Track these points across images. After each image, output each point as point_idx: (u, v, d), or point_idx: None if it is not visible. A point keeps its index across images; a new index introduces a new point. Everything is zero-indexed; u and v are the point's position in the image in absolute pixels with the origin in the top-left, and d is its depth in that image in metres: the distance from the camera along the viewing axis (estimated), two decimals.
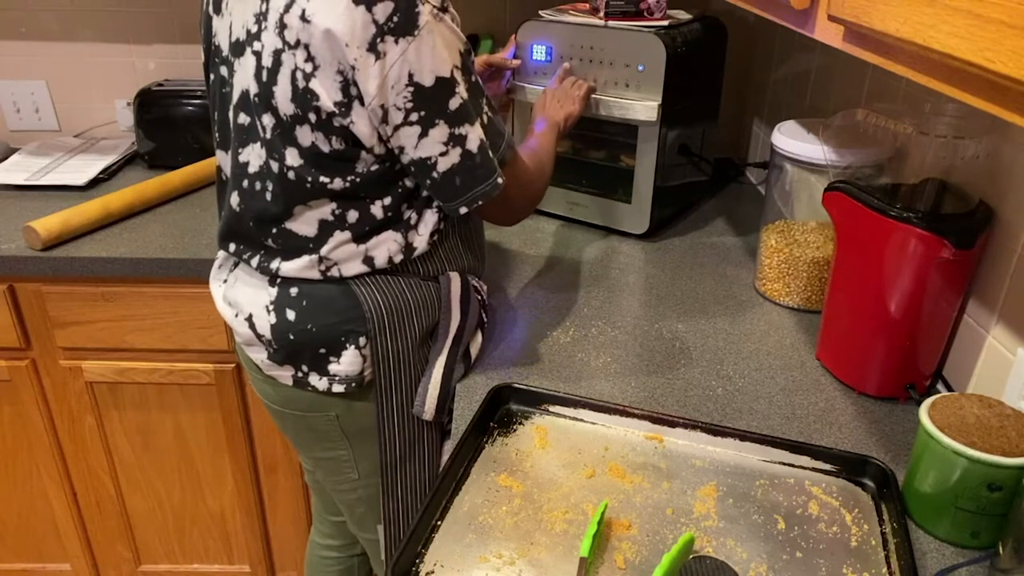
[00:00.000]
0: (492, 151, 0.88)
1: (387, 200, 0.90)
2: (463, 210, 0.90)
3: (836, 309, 1.00)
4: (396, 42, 0.78)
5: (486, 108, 0.88)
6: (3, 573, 1.71)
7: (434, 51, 0.80)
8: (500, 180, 0.89)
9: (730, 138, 1.86)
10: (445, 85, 0.82)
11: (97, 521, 1.64)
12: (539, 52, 1.36)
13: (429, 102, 0.82)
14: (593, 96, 1.32)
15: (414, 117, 0.82)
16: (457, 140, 0.85)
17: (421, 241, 0.94)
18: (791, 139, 1.10)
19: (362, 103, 0.81)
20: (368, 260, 0.92)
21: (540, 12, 1.40)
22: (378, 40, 0.77)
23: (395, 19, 0.77)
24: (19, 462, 1.57)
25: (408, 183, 0.91)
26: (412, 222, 0.94)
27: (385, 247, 0.93)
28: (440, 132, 0.84)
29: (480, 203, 0.90)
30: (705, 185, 1.60)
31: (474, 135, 0.86)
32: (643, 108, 1.29)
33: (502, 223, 1.04)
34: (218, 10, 0.91)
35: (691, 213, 1.56)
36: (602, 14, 1.32)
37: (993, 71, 0.41)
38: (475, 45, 1.71)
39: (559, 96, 1.26)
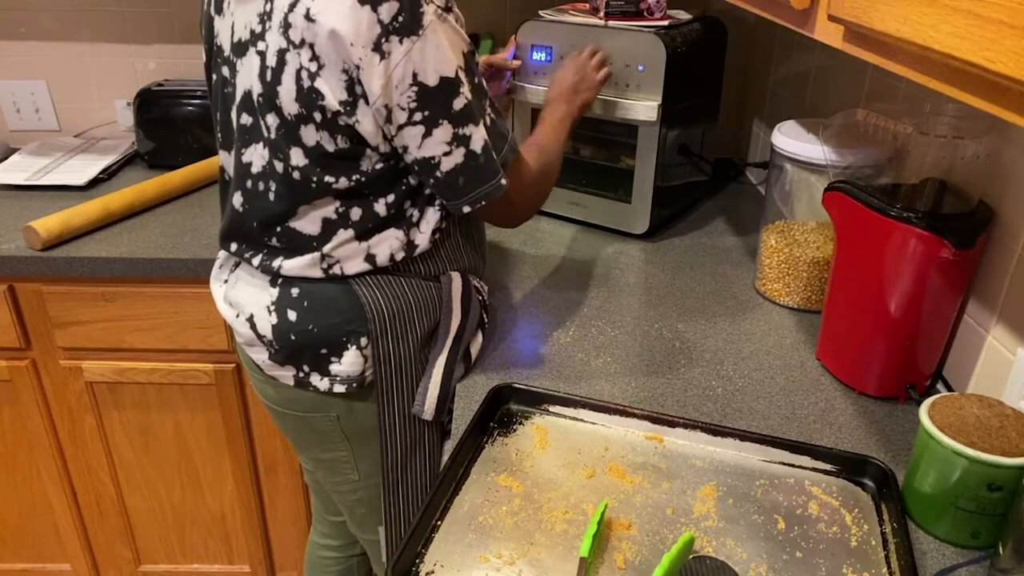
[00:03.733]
0: (495, 154, 0.89)
1: (390, 197, 0.90)
2: (466, 209, 0.90)
3: (836, 309, 1.00)
4: (401, 42, 0.78)
5: (489, 110, 0.88)
6: (3, 573, 1.71)
7: (438, 51, 0.80)
8: (504, 181, 0.89)
9: (730, 138, 1.86)
10: (449, 85, 0.82)
11: (97, 521, 1.65)
12: (539, 52, 1.36)
13: (433, 102, 0.82)
14: None
15: (418, 117, 0.82)
16: (461, 140, 0.85)
17: (423, 239, 0.94)
18: (791, 139, 1.10)
19: (367, 102, 0.81)
20: (370, 258, 0.93)
21: (540, 12, 1.40)
22: (383, 40, 0.78)
23: (400, 19, 0.77)
24: (19, 462, 1.57)
25: (412, 180, 0.91)
26: (414, 219, 0.94)
27: (387, 244, 0.93)
28: (444, 132, 0.84)
29: (483, 203, 0.90)
30: (705, 185, 1.60)
31: (478, 135, 0.86)
32: (643, 108, 1.29)
33: (504, 225, 1.03)
34: (219, 10, 0.91)
35: (691, 213, 1.56)
36: (602, 14, 1.32)
37: (993, 71, 0.41)
38: (475, 45, 1.71)
39: (577, 78, 1.21)
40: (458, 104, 0.83)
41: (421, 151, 0.85)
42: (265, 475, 1.59)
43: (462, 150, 0.86)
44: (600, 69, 1.25)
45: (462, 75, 0.83)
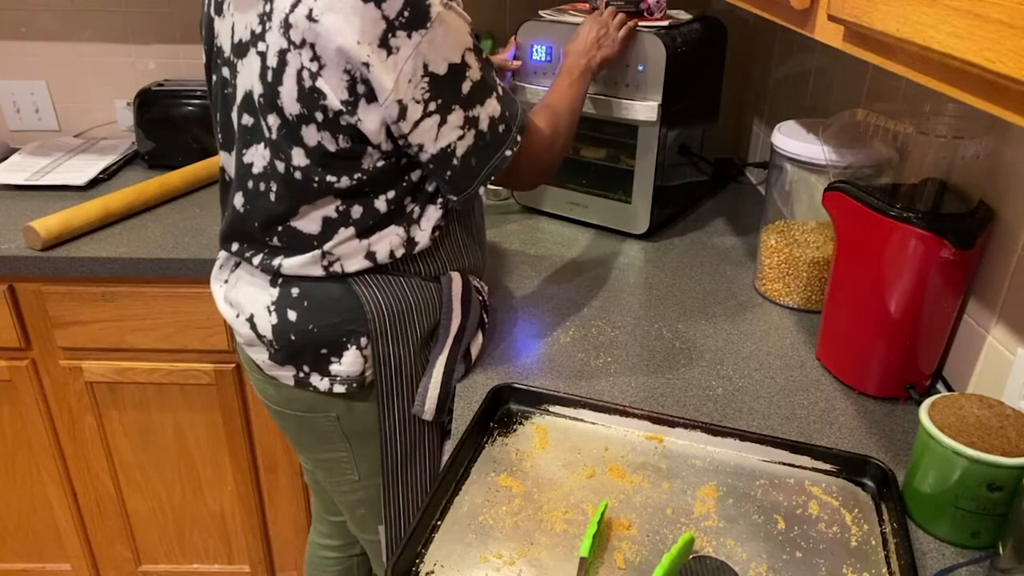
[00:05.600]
0: (512, 120, 0.90)
1: (391, 194, 0.91)
2: (481, 191, 0.92)
3: (836, 309, 1.00)
4: (409, 36, 0.78)
5: (498, 81, 0.89)
6: (3, 573, 1.71)
7: (446, 40, 0.80)
8: (508, 153, 0.90)
9: (730, 138, 1.86)
10: (457, 70, 0.83)
11: (97, 521, 1.65)
12: (539, 52, 1.36)
13: (444, 89, 0.83)
14: (593, 96, 1.32)
15: (432, 107, 0.83)
16: (471, 122, 0.86)
17: (423, 236, 0.94)
18: (791, 139, 1.10)
19: (369, 101, 0.81)
20: (370, 255, 0.93)
21: (540, 12, 1.40)
22: (389, 36, 0.78)
23: (406, 14, 0.78)
24: (19, 462, 1.57)
25: (413, 177, 0.91)
26: (415, 216, 0.94)
27: (387, 241, 0.93)
28: (456, 117, 0.85)
29: (492, 177, 0.91)
30: (705, 185, 1.60)
31: (484, 114, 0.87)
32: (643, 108, 1.29)
33: (517, 188, 1.06)
34: (219, 11, 0.91)
35: (691, 213, 1.56)
36: None
37: (993, 71, 0.41)
38: None
39: (598, 33, 1.20)
40: (466, 87, 0.84)
41: (438, 142, 0.85)
42: (265, 475, 1.59)
43: (472, 131, 0.87)
44: (621, 28, 1.23)
45: (469, 57, 0.83)
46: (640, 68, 1.28)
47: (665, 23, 1.32)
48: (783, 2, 0.76)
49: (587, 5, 1.44)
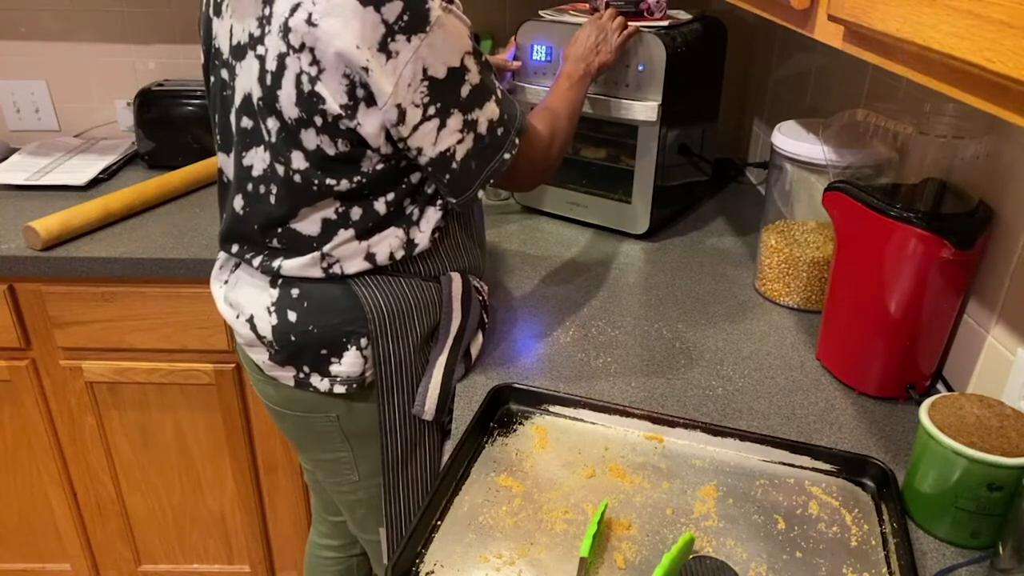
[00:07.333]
0: (510, 124, 0.90)
1: (390, 196, 0.91)
2: (480, 194, 0.92)
3: (836, 309, 1.00)
4: (408, 40, 0.78)
5: (497, 83, 0.90)
6: (3, 573, 1.71)
7: (445, 43, 0.81)
8: (507, 156, 0.91)
9: (730, 138, 1.86)
10: (456, 74, 0.83)
11: (97, 521, 1.65)
12: (539, 52, 1.36)
13: (443, 93, 0.83)
14: (593, 96, 1.32)
15: (431, 111, 0.83)
16: (470, 126, 0.86)
17: (423, 238, 0.95)
18: (791, 139, 1.10)
19: (368, 105, 0.81)
20: (370, 257, 0.93)
21: (540, 12, 1.40)
22: (389, 40, 0.78)
23: (405, 18, 0.78)
24: (19, 462, 1.56)
25: (413, 179, 0.91)
26: (414, 218, 0.94)
27: (387, 243, 0.93)
28: (456, 121, 0.85)
29: (492, 181, 0.92)
30: (705, 185, 1.60)
31: (483, 118, 0.87)
32: (643, 108, 1.29)
33: (517, 190, 1.05)
34: (218, 12, 0.91)
35: (691, 213, 1.56)
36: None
37: (993, 71, 0.41)
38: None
39: (597, 38, 1.21)
40: (465, 91, 0.84)
41: (437, 146, 0.85)
42: (265, 475, 1.59)
43: (472, 135, 0.87)
44: (621, 32, 1.24)
45: (468, 60, 0.84)
46: (640, 68, 1.28)
47: (665, 23, 1.32)
48: (783, 2, 0.76)
49: (587, 5, 1.44)
